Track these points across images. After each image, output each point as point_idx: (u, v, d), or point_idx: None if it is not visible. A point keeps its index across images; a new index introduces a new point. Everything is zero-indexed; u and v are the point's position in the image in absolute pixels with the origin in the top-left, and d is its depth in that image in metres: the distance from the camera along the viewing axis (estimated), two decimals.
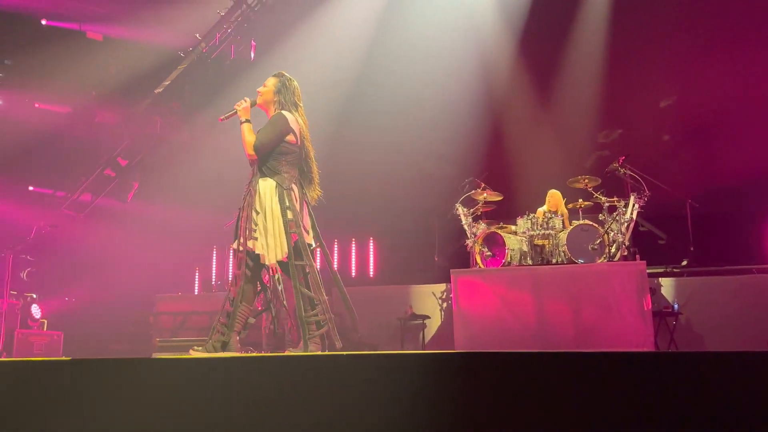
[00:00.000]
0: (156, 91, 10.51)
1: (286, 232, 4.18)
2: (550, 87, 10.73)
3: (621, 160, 8.21)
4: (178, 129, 10.83)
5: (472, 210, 8.60)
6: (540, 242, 8.06)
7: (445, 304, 9.27)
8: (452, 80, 10.73)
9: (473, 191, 8.69)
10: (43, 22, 10.01)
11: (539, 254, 8.07)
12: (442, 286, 9.34)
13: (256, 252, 4.18)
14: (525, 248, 8.13)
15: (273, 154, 4.30)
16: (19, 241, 9.06)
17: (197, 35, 10.64)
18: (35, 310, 9.20)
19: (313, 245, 4.46)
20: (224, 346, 4.16)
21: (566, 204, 8.58)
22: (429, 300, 9.42)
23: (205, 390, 2.78)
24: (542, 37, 10.76)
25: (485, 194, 8.62)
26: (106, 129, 10.51)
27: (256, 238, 4.19)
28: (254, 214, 4.22)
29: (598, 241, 7.71)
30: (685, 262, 9.18)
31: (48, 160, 10.32)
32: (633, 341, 7.10)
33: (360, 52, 10.94)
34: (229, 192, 10.93)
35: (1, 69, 9.76)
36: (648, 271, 7.58)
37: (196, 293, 11.32)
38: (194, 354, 4.16)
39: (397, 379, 2.52)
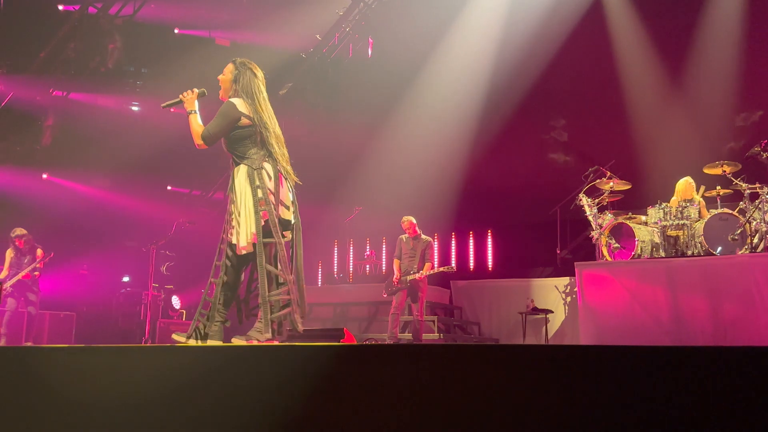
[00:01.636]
0: (280, 92, 10.91)
1: (255, 212, 4.12)
2: (683, 66, 10.03)
3: (763, 144, 7.61)
4: (300, 127, 11.19)
5: (597, 200, 8.26)
6: (674, 233, 7.61)
7: (569, 299, 8.98)
8: (577, 63, 10.31)
9: (598, 180, 8.34)
10: (176, 30, 10.66)
11: (673, 246, 7.63)
12: (566, 280, 9.05)
13: (233, 242, 4.17)
14: (657, 239, 7.70)
15: (237, 141, 4.24)
16: (161, 237, 9.71)
17: (317, 36, 10.96)
18: (175, 301, 9.88)
19: (293, 221, 4.33)
20: (205, 337, 4.18)
21: (703, 192, 8.00)
22: (551, 294, 9.17)
23: (184, 379, 2.81)
24: (675, 12, 10.10)
25: (611, 183, 8.25)
26: None
27: (233, 227, 4.18)
28: (231, 205, 4.22)
29: (738, 231, 7.16)
30: None
31: (184, 162, 10.97)
32: None
33: (482, 44, 10.74)
34: (348, 187, 11.23)
35: (139, 77, 10.49)
36: None
37: (319, 285, 11.69)
38: (175, 337, 4.25)
39: (522, 373, 2.46)
